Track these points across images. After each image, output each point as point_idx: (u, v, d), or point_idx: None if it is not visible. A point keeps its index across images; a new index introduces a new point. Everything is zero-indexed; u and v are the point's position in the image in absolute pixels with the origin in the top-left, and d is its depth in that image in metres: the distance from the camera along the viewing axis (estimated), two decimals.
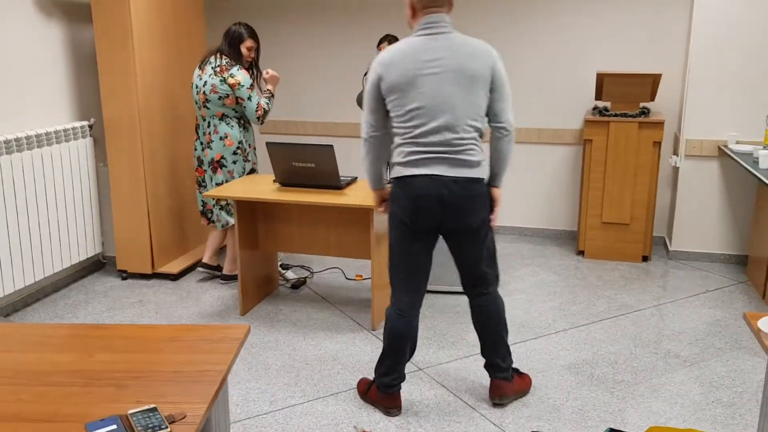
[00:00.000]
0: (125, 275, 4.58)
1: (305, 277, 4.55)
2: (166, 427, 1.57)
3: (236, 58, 4.16)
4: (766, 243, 4.16)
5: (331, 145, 3.69)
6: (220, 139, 4.19)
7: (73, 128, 4.31)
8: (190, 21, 4.84)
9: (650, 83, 4.66)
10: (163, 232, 4.60)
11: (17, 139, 3.86)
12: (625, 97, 4.75)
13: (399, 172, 2.72)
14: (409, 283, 2.82)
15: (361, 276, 4.61)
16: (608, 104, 5.04)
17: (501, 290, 4.36)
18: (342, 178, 3.96)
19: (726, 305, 4.10)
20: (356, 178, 4.09)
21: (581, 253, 5.01)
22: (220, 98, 4.12)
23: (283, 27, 5.62)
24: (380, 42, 4.69)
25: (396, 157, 2.73)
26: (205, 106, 4.18)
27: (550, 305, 4.12)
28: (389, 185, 2.84)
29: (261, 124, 4.20)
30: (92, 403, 1.69)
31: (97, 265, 4.76)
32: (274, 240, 4.10)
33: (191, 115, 4.89)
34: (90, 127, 4.46)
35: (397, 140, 2.72)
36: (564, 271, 4.71)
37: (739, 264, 4.80)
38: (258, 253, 4.15)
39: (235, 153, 4.22)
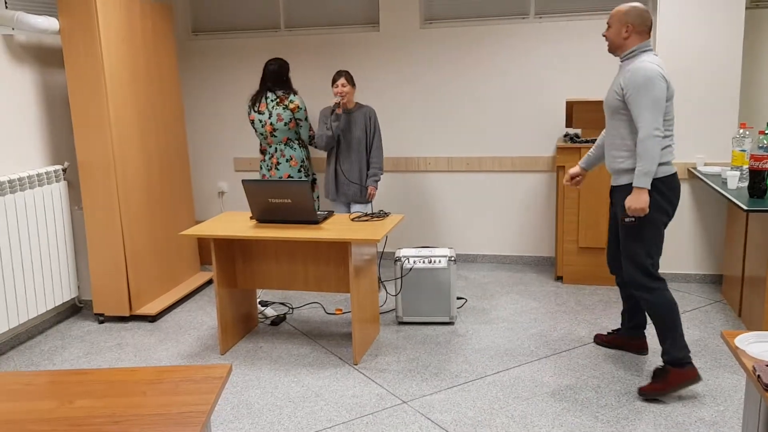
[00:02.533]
0: (102, 318, 4.52)
1: (284, 314, 4.53)
2: None
3: (289, 87, 4.74)
4: (738, 262, 4.24)
5: (306, 181, 3.71)
6: (287, 161, 4.73)
7: (47, 172, 4.28)
8: (163, 64, 4.87)
9: None
10: (140, 274, 4.55)
11: None
12: (595, 123, 4.85)
13: (668, 170, 3.21)
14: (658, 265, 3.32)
15: (340, 310, 4.59)
16: (579, 131, 5.14)
17: (482, 318, 4.38)
18: (318, 213, 3.97)
19: (704, 325, 4.14)
20: (332, 212, 4.10)
21: (560, 278, 5.05)
22: (285, 124, 4.66)
23: (240, 70, 5.66)
24: (336, 79, 4.59)
25: (664, 158, 3.19)
26: (272, 135, 4.71)
27: (531, 332, 4.14)
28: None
29: (312, 144, 4.84)
30: None
31: (73, 310, 4.68)
32: (252, 277, 4.08)
33: (165, 156, 4.88)
34: (64, 171, 4.43)
35: (665, 142, 3.19)
36: (544, 297, 4.74)
37: (715, 283, 4.87)
38: (236, 291, 4.12)
39: (299, 171, 4.75)
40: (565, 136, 5.04)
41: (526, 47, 5.17)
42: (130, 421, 1.79)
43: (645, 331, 3.80)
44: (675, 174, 3.26)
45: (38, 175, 4.20)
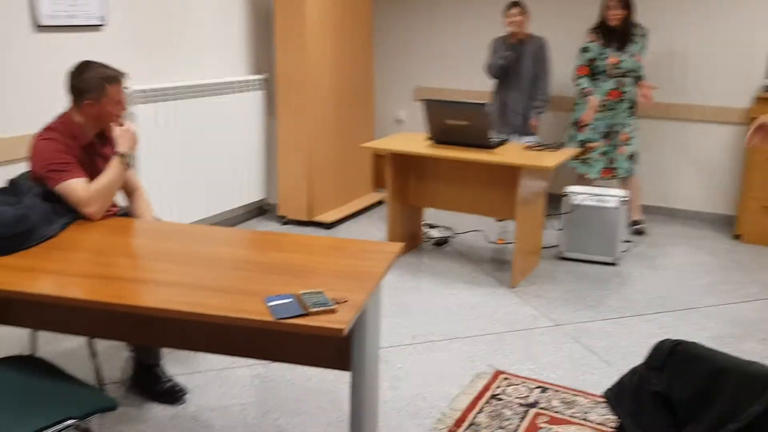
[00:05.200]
0: (285, 220, 4.99)
1: (448, 236, 4.72)
2: (333, 305, 1.80)
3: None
4: None
5: (485, 104, 3.81)
6: None
7: (248, 80, 4.73)
8: None
9: None
10: (320, 184, 4.95)
11: (199, 86, 4.30)
12: None
13: None
14: None
15: (503, 240, 4.70)
16: None
17: (648, 264, 4.29)
18: (492, 139, 4.07)
19: None
20: (507, 139, 4.18)
21: (738, 236, 4.79)
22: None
23: (436, 4, 5.77)
24: (509, 8, 4.65)
25: None
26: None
27: (699, 282, 4.01)
28: None
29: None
30: (268, 284, 1.96)
31: (259, 211, 5.20)
32: (423, 195, 4.29)
33: (353, 77, 5.19)
34: (264, 80, 4.88)
35: None
36: (718, 253, 4.53)
37: None
38: (406, 207, 4.36)
39: None
40: (765, 87, 4.69)
41: None
42: (316, 271, 2.06)
43: None
44: None
45: (240, 82, 4.67)
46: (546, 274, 4.11)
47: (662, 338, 1.70)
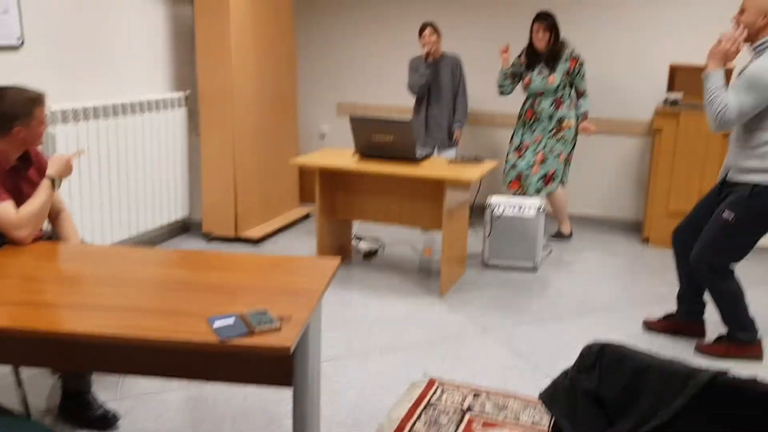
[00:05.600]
0: (210, 237, 4.93)
1: (377, 248, 4.80)
2: (278, 323, 1.83)
3: None
4: None
5: (410, 120, 3.92)
6: None
7: (170, 98, 4.67)
8: (281, 5, 5.16)
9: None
10: (246, 200, 4.93)
11: (120, 105, 4.21)
12: (697, 89, 4.80)
13: None
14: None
15: (430, 250, 4.82)
16: (680, 95, 5.10)
17: (566, 269, 4.51)
18: (418, 153, 4.19)
19: None
20: (431, 153, 4.31)
21: (646, 240, 5.10)
22: None
23: (360, 21, 5.88)
24: (422, 29, 4.89)
25: None
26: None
27: (613, 285, 4.25)
28: (758, 186, 3.02)
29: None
30: (207, 304, 1.97)
31: (183, 228, 5.12)
32: (351, 209, 4.35)
33: (276, 93, 5.21)
34: (185, 98, 4.82)
35: None
36: (628, 256, 4.82)
37: None
38: (334, 221, 4.41)
39: None
40: (665, 101, 5.03)
41: (634, 9, 5.15)
42: (257, 290, 2.08)
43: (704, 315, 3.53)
44: None
45: (162, 100, 4.60)
46: (472, 282, 4.25)
47: (581, 339, 1.84)
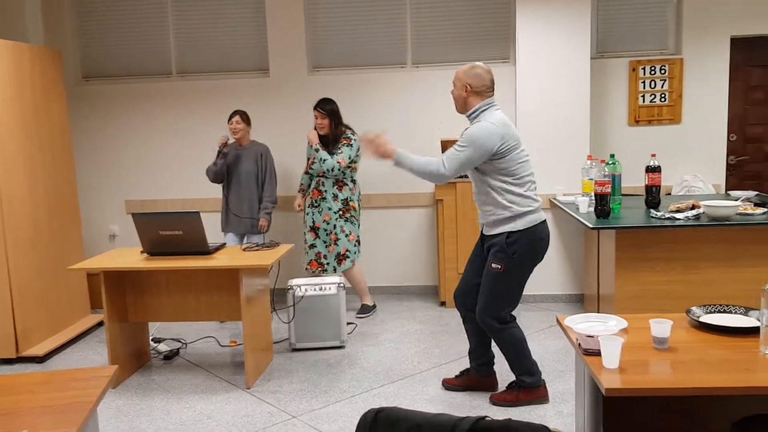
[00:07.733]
0: None
1: (178, 348, 4.60)
2: None
3: None
4: (594, 280, 4.73)
5: (197, 212, 3.88)
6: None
7: None
8: (52, 108, 4.93)
9: None
10: (27, 315, 4.51)
11: None
12: None
13: (536, 219, 3.35)
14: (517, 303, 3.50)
15: (235, 342, 4.71)
16: None
17: (371, 341, 4.62)
18: (210, 244, 4.13)
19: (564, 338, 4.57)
20: (224, 244, 4.28)
21: (443, 303, 5.40)
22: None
23: (133, 115, 5.80)
24: (231, 117, 4.99)
25: (527, 206, 3.32)
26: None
27: (415, 350, 4.42)
28: (512, 233, 3.34)
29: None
30: None
31: None
32: (143, 310, 4.16)
33: (53, 198, 4.91)
34: None
35: (517, 190, 3.30)
36: (428, 320, 5.06)
37: (578, 302, 5.37)
38: (127, 326, 4.18)
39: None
40: None
41: (404, 92, 5.62)
42: (19, 411, 1.91)
43: (494, 367, 3.76)
44: (543, 223, 3.37)
45: None
46: (280, 368, 4.20)
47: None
